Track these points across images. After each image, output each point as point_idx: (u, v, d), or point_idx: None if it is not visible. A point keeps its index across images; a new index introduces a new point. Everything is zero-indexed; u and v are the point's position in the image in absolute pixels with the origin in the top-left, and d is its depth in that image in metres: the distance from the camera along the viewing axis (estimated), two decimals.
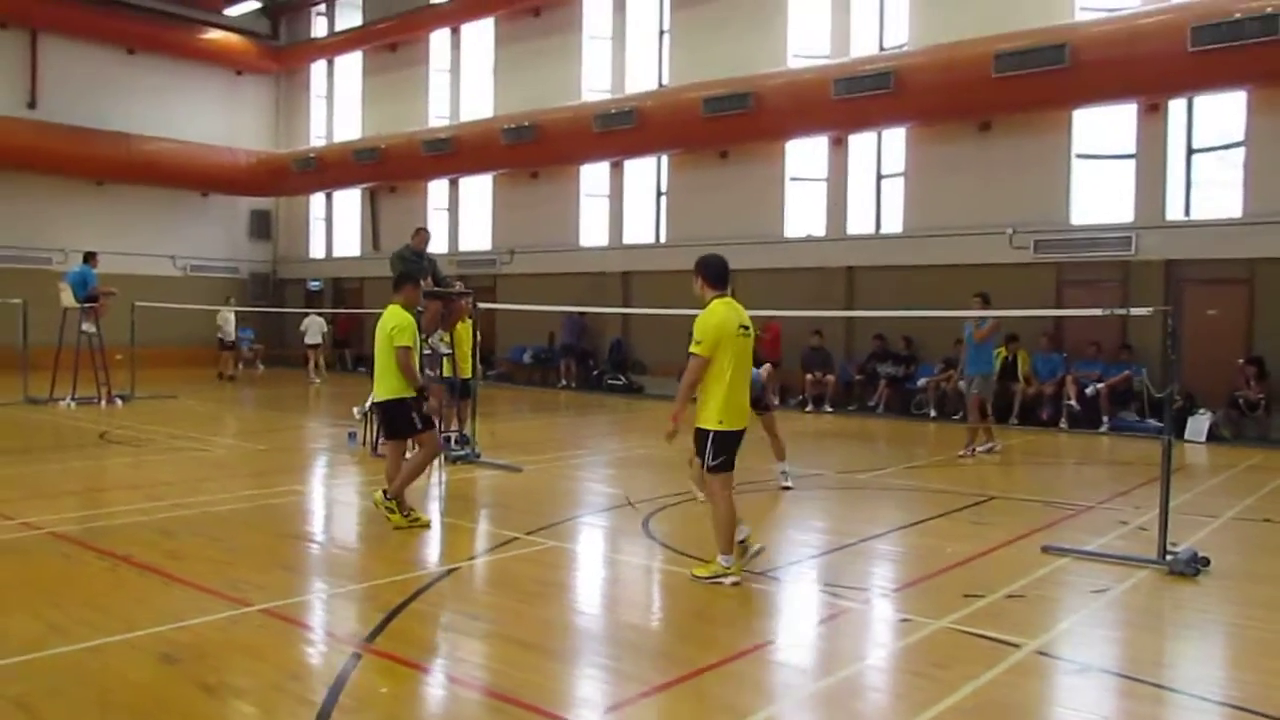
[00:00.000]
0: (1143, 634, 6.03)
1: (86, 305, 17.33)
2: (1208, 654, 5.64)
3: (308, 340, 24.95)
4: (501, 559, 7.30)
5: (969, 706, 4.62)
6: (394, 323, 8.20)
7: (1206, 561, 7.07)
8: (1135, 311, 7.61)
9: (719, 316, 6.46)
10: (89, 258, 17.86)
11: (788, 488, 10.21)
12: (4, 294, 19.09)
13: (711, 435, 6.48)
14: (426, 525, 8.15)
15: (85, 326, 17.39)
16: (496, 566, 7.12)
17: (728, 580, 6.48)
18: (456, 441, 12.25)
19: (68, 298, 17.45)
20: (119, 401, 17.59)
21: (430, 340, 12.10)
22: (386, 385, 8.26)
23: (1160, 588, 6.71)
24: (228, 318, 24.71)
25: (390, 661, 5.17)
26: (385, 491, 8.16)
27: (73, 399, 17.24)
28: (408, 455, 8.59)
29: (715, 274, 6.63)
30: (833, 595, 6.55)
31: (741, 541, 6.59)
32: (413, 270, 12.06)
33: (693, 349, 6.45)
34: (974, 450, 12.96)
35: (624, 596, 6.92)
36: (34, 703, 4.50)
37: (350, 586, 6.52)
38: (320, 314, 25.76)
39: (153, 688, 4.76)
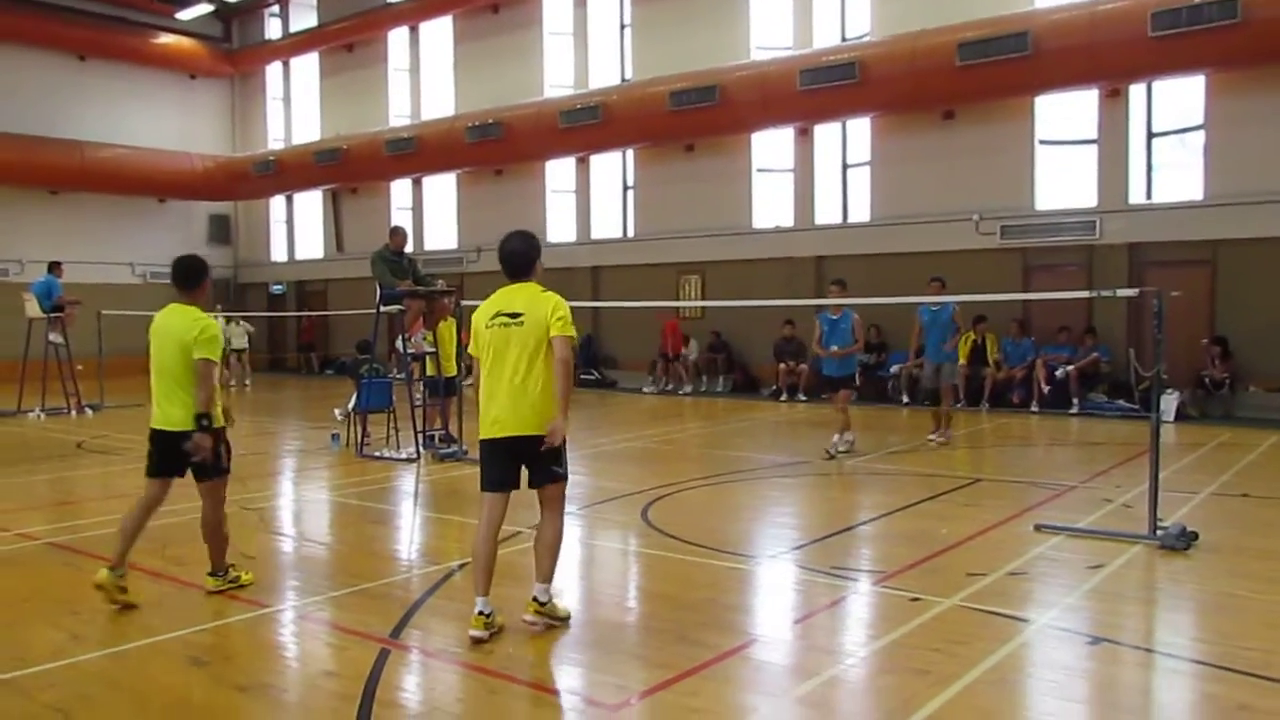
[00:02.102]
0: (1146, 607, 6.22)
1: (53, 315, 17.09)
2: (1212, 625, 5.78)
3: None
4: (508, 553, 7.29)
5: (995, 679, 4.76)
6: (201, 329, 6.08)
7: (1195, 536, 7.28)
8: (1122, 293, 7.82)
9: (479, 309, 5.65)
10: (53, 267, 17.57)
11: (831, 455, 11.54)
12: None
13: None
14: (251, 582, 6.50)
15: (52, 337, 17.15)
16: (503, 560, 7.09)
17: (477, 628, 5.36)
18: (442, 439, 12.27)
19: (33, 308, 17.15)
20: (89, 411, 17.39)
21: (414, 339, 12.10)
22: (179, 410, 6.10)
23: (1154, 562, 6.89)
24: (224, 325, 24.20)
25: (421, 655, 5.23)
26: (212, 573, 6.37)
27: (42, 410, 17.01)
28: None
29: (501, 263, 5.75)
30: (840, 577, 6.66)
31: (483, 614, 5.41)
32: (395, 270, 12.09)
33: None
34: (948, 435, 13.08)
35: (636, 584, 7.01)
36: (70, 708, 4.50)
37: (363, 585, 6.53)
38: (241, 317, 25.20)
39: (187, 690, 4.77)
